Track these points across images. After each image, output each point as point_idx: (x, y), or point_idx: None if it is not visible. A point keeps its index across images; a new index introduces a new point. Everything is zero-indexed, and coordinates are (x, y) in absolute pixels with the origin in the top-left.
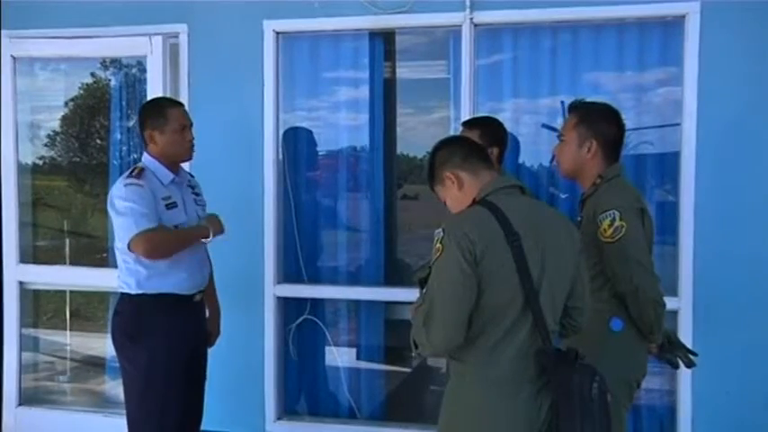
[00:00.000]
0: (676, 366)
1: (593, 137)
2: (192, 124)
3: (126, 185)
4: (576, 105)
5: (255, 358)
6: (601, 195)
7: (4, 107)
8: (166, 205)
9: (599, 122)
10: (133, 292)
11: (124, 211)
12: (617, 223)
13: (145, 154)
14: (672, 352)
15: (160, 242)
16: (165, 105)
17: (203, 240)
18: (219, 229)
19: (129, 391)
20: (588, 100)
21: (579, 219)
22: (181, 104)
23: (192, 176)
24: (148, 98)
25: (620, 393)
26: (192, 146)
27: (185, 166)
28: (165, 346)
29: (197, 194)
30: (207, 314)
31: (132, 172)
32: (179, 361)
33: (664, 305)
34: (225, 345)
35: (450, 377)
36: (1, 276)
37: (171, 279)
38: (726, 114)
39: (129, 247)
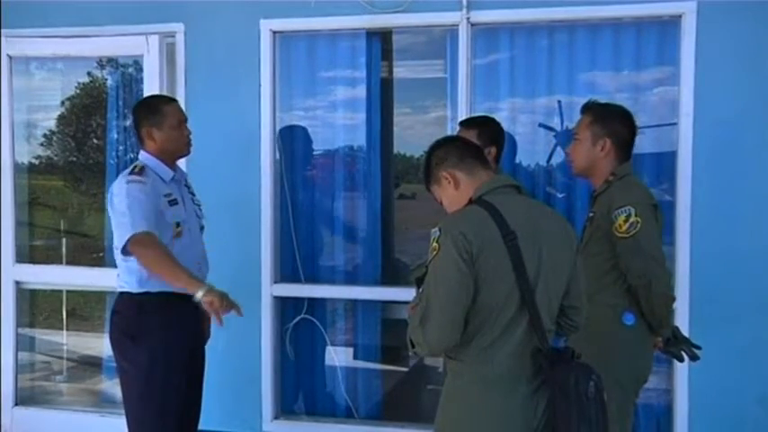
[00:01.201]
0: (681, 360)
1: (606, 136)
2: (186, 119)
3: (128, 182)
4: (589, 106)
5: (253, 358)
6: (614, 192)
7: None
8: (168, 201)
9: (613, 122)
10: (134, 290)
11: (123, 210)
12: (632, 219)
13: (142, 152)
14: (677, 346)
15: (152, 249)
16: (161, 102)
17: (195, 294)
18: (216, 304)
19: (129, 391)
20: (601, 101)
21: (590, 215)
22: (175, 100)
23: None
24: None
25: (630, 388)
26: (190, 141)
27: (182, 165)
28: (166, 345)
29: (192, 194)
30: None
31: (133, 169)
32: (179, 360)
33: (674, 299)
34: (222, 344)
35: (447, 376)
36: None
37: None
38: (722, 114)
39: (123, 250)
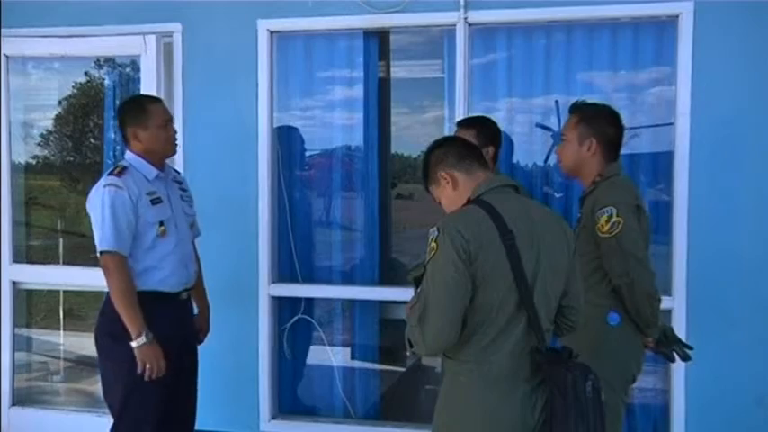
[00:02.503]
0: (672, 360)
1: (593, 136)
2: (172, 119)
3: (105, 186)
4: (577, 106)
5: (250, 358)
6: (599, 192)
7: None
8: (151, 200)
9: (599, 122)
10: None
11: (96, 219)
12: (614, 219)
13: (128, 153)
14: (668, 346)
15: (113, 277)
16: (146, 102)
17: (133, 339)
18: (146, 356)
19: (114, 391)
20: (589, 101)
21: (579, 215)
22: (161, 100)
23: (177, 173)
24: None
25: (619, 388)
26: (176, 141)
27: (178, 164)
28: None
29: (183, 190)
30: (195, 311)
31: (113, 170)
32: (166, 359)
33: (659, 299)
34: (219, 344)
35: (445, 376)
36: None
37: (156, 276)
38: (719, 114)
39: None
